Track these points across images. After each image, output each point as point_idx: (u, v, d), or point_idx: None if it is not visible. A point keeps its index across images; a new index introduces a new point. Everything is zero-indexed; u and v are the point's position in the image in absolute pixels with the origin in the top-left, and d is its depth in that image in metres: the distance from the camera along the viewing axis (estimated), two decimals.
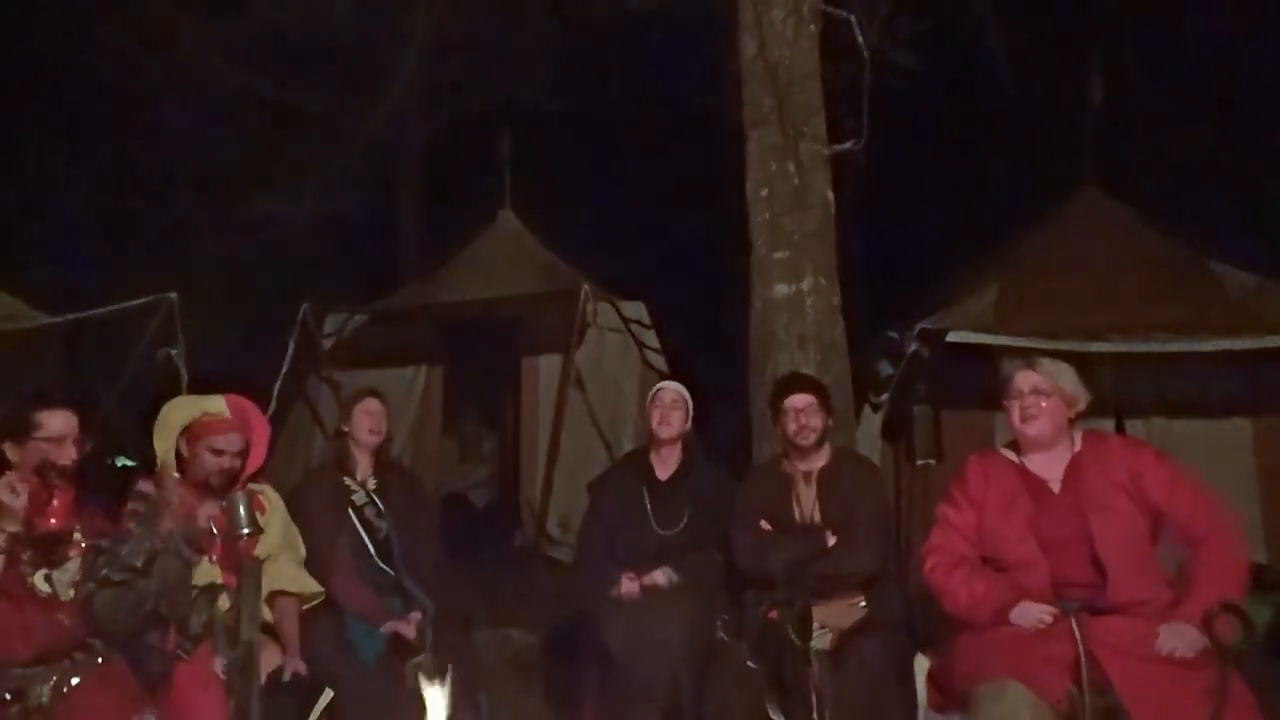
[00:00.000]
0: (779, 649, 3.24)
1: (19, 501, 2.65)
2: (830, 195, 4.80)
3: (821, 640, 3.28)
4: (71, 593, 2.77)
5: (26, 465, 2.77)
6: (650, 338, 6.71)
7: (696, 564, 3.74)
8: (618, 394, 6.49)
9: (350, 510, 3.75)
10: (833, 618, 3.37)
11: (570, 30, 10.05)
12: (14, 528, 2.65)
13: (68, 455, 2.83)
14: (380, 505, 3.81)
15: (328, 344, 6.65)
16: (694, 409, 3.98)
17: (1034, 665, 2.62)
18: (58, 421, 2.83)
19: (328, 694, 3.16)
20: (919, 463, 4.92)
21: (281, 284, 7.95)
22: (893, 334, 5.17)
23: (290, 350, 6.23)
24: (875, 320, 5.61)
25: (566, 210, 9.46)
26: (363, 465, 3.88)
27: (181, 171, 10.04)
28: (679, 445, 3.95)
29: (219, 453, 3.15)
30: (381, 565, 3.71)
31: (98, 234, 9.82)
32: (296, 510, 3.57)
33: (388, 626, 3.56)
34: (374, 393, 3.97)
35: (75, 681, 2.71)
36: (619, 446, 6.08)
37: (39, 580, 2.76)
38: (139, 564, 2.77)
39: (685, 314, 8.10)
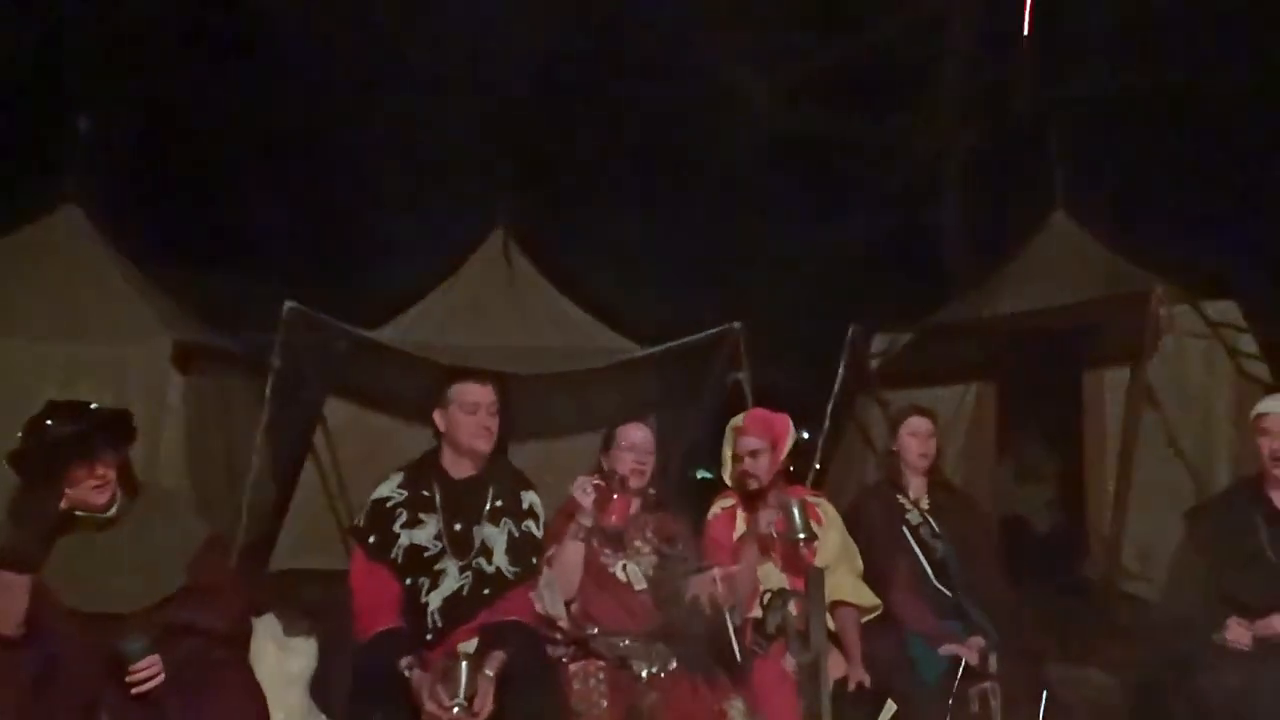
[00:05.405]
0: None
1: (587, 499, 3.14)
2: None
3: None
4: (642, 585, 3.18)
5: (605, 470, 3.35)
6: (1246, 342, 5.71)
7: None
8: (1205, 411, 5.61)
9: (905, 529, 3.76)
10: None
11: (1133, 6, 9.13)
12: (587, 521, 3.15)
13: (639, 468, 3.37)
14: (935, 526, 3.76)
15: (875, 364, 6.74)
16: None
17: None
18: (638, 434, 3.43)
19: (891, 707, 3.20)
20: None
21: (831, 308, 8.28)
22: None
23: (840, 371, 6.42)
24: None
25: (1132, 204, 8.50)
26: (915, 484, 3.87)
27: (732, 208, 11.04)
28: None
29: (739, 458, 3.57)
30: (939, 586, 3.66)
31: (673, 272, 11.13)
32: (853, 525, 3.70)
33: (948, 649, 3.49)
34: (921, 411, 3.94)
35: (672, 666, 3.08)
36: (1211, 473, 5.24)
37: (619, 569, 3.22)
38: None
39: None
